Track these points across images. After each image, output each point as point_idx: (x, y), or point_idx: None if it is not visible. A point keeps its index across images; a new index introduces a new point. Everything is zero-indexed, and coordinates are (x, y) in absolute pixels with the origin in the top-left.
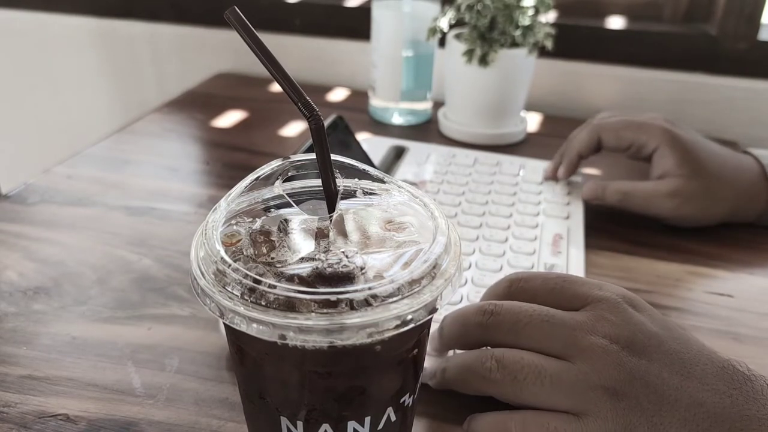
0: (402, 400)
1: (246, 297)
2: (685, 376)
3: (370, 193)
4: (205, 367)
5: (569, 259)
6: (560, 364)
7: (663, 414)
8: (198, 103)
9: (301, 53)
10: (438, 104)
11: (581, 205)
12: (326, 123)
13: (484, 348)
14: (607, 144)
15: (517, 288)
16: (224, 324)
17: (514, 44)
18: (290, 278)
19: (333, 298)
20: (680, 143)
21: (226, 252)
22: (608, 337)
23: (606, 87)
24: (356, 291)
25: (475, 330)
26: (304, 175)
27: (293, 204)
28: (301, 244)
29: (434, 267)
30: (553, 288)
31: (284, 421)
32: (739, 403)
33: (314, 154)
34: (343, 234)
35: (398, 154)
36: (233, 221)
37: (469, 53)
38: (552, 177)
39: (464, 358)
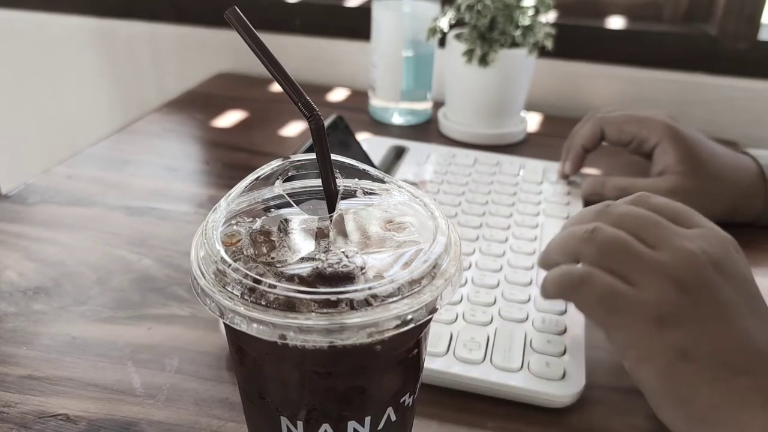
0: (402, 400)
1: (246, 297)
2: (750, 312)
3: (370, 193)
4: (205, 367)
5: None
6: (646, 248)
7: (715, 323)
8: (198, 103)
9: (301, 53)
10: (438, 104)
11: (581, 205)
12: (326, 123)
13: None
14: (609, 137)
15: (644, 201)
16: (224, 324)
17: (514, 44)
18: (290, 278)
19: (333, 298)
20: (682, 139)
21: (226, 252)
22: (700, 249)
23: (606, 87)
24: (356, 291)
25: (589, 216)
26: (304, 175)
27: (293, 204)
28: (301, 244)
29: (434, 267)
30: (677, 210)
31: (284, 421)
32: None
33: (314, 154)
34: (343, 234)
35: (398, 154)
36: (233, 221)
37: (469, 53)
38: (566, 176)
39: (573, 228)
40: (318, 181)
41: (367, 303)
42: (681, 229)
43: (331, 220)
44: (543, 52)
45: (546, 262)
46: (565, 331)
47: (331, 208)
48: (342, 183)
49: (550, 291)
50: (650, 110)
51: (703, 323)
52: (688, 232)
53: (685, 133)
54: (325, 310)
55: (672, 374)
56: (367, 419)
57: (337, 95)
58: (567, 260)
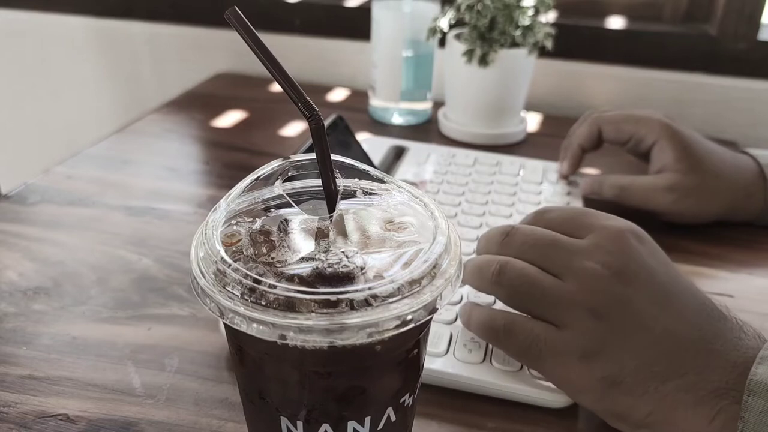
0: (402, 400)
1: (246, 297)
2: (664, 308)
3: (370, 193)
4: (205, 367)
5: None
6: (553, 281)
7: (635, 337)
8: (198, 103)
9: (301, 53)
10: (438, 104)
11: (581, 205)
12: (326, 123)
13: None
14: (606, 137)
15: (539, 218)
16: (224, 324)
17: (514, 44)
18: (290, 278)
19: (333, 298)
20: (679, 138)
21: (226, 252)
22: (601, 263)
23: (606, 87)
24: (356, 291)
25: (494, 246)
26: (304, 175)
27: (293, 204)
28: (301, 244)
29: (434, 267)
30: (569, 217)
31: (284, 421)
32: (707, 338)
33: (314, 154)
34: (343, 234)
35: (398, 154)
36: (233, 221)
37: (469, 53)
38: (565, 176)
39: (479, 260)
40: (318, 181)
41: (367, 303)
42: (577, 243)
43: (331, 220)
44: (543, 52)
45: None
46: None
47: (331, 208)
48: (342, 183)
49: (474, 333)
50: (647, 110)
51: (624, 342)
52: (585, 246)
53: (683, 131)
54: (325, 310)
55: (606, 400)
56: (367, 419)
57: (337, 95)
58: (481, 290)
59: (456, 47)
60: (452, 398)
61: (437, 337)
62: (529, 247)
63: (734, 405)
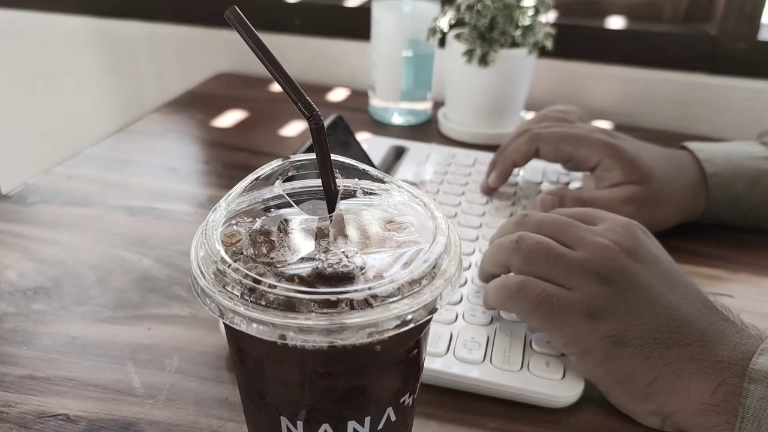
0: (402, 400)
1: (246, 297)
2: (670, 288)
3: (370, 193)
4: (205, 367)
5: None
6: (566, 250)
7: (641, 305)
8: (198, 103)
9: (301, 53)
10: (438, 104)
11: None
12: (326, 123)
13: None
14: (544, 155)
15: (555, 211)
16: (224, 324)
17: (514, 44)
18: (290, 278)
19: (333, 298)
20: (623, 153)
21: (226, 252)
22: (612, 241)
23: (606, 87)
24: (356, 291)
25: (513, 227)
26: (304, 175)
27: (293, 204)
28: (301, 244)
29: (434, 267)
30: (583, 212)
31: (284, 421)
32: (711, 319)
33: (314, 154)
34: (343, 234)
35: (398, 154)
36: (233, 221)
37: (469, 53)
38: (489, 191)
39: (499, 239)
40: (318, 181)
41: (367, 303)
42: (590, 227)
43: (331, 220)
44: (543, 52)
45: (483, 276)
46: None
47: (331, 208)
48: (342, 183)
49: (490, 302)
50: (586, 127)
51: (629, 308)
52: (598, 229)
53: (624, 146)
54: (325, 310)
55: (611, 361)
56: (367, 419)
57: (337, 95)
58: (500, 270)
59: (456, 47)
60: (452, 398)
61: (437, 337)
62: (546, 224)
63: (736, 378)
